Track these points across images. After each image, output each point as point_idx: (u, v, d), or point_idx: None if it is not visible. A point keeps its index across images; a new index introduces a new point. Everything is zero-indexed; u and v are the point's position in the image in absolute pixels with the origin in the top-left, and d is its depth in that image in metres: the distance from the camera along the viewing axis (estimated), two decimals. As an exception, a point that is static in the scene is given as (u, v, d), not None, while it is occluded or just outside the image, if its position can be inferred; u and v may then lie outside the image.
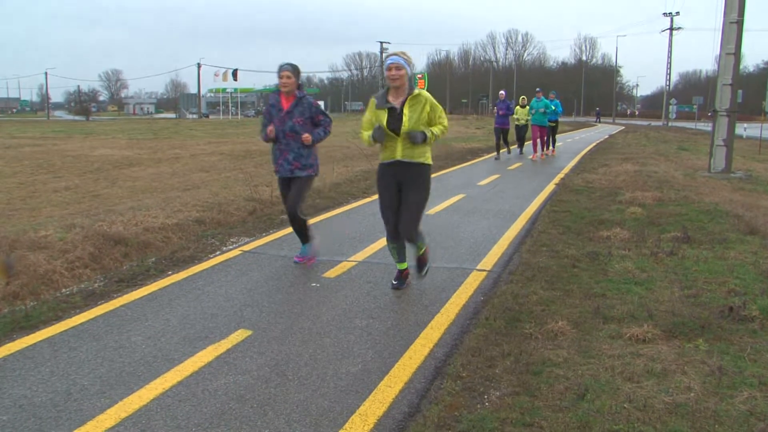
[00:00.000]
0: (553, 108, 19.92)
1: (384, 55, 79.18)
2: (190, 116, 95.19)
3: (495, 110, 20.70)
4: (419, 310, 5.22)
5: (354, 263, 6.64)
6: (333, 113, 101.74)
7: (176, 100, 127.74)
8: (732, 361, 4.06)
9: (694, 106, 62.55)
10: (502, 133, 20.02)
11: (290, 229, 8.32)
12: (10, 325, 4.78)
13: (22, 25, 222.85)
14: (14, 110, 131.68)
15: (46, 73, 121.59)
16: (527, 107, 20.08)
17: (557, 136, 22.86)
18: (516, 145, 22.26)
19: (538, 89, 19.67)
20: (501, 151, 20.34)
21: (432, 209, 9.79)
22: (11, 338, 4.56)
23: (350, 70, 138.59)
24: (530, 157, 19.15)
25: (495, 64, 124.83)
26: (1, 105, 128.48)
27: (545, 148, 20.56)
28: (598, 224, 8.52)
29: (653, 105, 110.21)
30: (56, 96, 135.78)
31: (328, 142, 8.53)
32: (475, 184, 13.25)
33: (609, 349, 4.27)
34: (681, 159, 19.82)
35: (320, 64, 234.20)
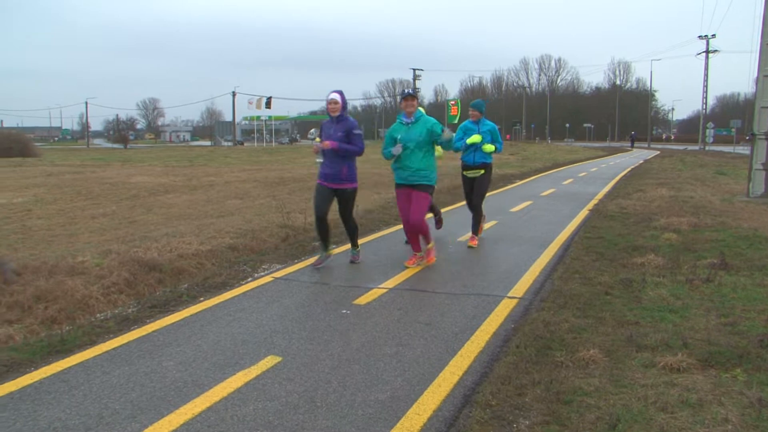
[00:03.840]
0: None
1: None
2: (225, 143, 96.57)
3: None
4: (449, 338, 5.19)
5: (384, 290, 6.65)
6: (366, 140, 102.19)
7: (212, 127, 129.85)
8: (770, 392, 3.95)
9: (732, 130, 61.54)
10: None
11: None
12: (46, 349, 4.88)
13: (64, 57, 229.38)
14: (56, 139, 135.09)
15: (86, 103, 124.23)
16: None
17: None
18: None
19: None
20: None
21: (463, 236, 9.77)
22: (47, 362, 4.65)
23: (383, 96, 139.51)
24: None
25: (528, 89, 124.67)
26: (43, 134, 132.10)
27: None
28: (632, 251, 8.40)
29: (690, 129, 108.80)
30: (96, 124, 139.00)
31: (361, 168, 8.67)
32: (508, 211, 13.19)
33: (642, 378, 4.19)
34: (718, 184, 19.50)
35: (354, 91, 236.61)
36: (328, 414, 3.79)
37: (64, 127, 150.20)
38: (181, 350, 4.88)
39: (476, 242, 9.21)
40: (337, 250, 8.52)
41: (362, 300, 6.24)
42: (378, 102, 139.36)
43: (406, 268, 7.61)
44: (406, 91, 7.63)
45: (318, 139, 7.50)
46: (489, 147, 9.08)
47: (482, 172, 9.26)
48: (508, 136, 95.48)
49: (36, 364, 4.61)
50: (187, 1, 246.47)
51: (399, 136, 7.62)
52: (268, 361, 4.61)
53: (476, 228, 9.38)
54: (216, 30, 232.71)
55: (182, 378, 4.34)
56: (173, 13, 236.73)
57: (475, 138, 9.07)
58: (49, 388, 4.19)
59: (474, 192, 9.29)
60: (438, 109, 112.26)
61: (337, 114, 7.46)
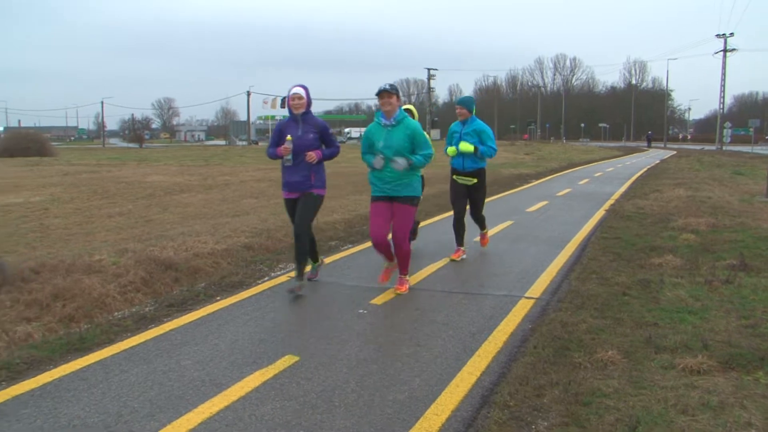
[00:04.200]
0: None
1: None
2: (240, 143, 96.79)
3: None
4: (467, 338, 5.17)
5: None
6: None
7: (226, 127, 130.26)
8: (793, 395, 3.90)
9: (750, 129, 60.96)
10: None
11: (339, 255, 8.40)
12: (65, 347, 4.91)
13: (80, 57, 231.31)
14: (72, 138, 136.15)
15: (102, 103, 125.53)
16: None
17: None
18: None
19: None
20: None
21: (478, 237, 9.72)
22: (66, 359, 4.68)
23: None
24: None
25: (543, 89, 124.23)
26: (60, 133, 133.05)
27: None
28: (650, 251, 8.34)
29: (706, 129, 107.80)
30: (111, 124, 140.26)
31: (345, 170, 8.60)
32: (524, 211, 13.14)
33: (661, 380, 4.16)
34: (736, 184, 19.32)
35: (368, 90, 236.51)
36: (347, 414, 3.78)
37: (80, 127, 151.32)
38: (199, 349, 4.90)
39: (487, 240, 8.92)
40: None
41: (379, 300, 6.23)
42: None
43: (388, 287, 6.68)
44: (383, 85, 6.24)
45: (290, 138, 6.46)
46: (465, 146, 7.84)
47: (474, 181, 8.14)
48: (525, 136, 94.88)
49: (55, 361, 4.65)
50: (205, 2, 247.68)
51: (380, 143, 6.39)
52: (286, 361, 4.61)
53: (483, 226, 8.76)
54: (233, 30, 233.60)
55: (200, 377, 4.35)
56: (190, 14, 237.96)
57: (451, 150, 8.04)
58: (68, 385, 4.21)
59: (471, 206, 8.39)
60: (452, 108, 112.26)
61: (302, 111, 6.53)
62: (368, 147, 6.55)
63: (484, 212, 8.68)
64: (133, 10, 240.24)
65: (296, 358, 4.66)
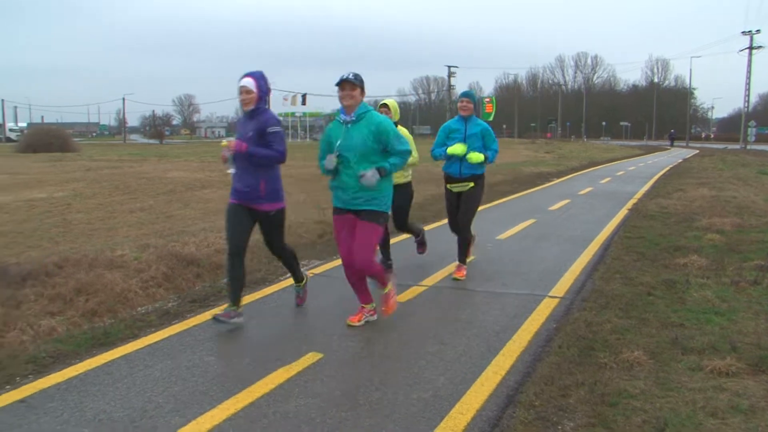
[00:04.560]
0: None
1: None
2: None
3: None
4: (490, 337, 5.14)
5: (424, 288, 6.63)
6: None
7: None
8: (826, 399, 3.83)
9: (775, 128, 60.14)
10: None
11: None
12: (90, 341, 4.94)
13: (103, 54, 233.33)
14: (93, 134, 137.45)
15: (123, 99, 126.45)
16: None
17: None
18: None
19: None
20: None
21: (502, 234, 9.71)
22: (91, 354, 4.70)
23: (418, 94, 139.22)
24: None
25: (564, 87, 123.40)
26: (82, 129, 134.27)
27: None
28: (674, 251, 8.24)
29: (730, 127, 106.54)
30: (132, 120, 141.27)
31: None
32: (546, 209, 13.05)
33: (689, 382, 4.10)
34: (762, 183, 19.05)
35: (388, 88, 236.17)
36: (371, 412, 3.77)
37: (101, 123, 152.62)
38: (222, 345, 4.91)
39: (464, 273, 7.06)
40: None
41: (401, 297, 6.20)
42: (412, 99, 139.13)
43: (350, 325, 5.39)
44: (344, 74, 5.18)
45: (225, 143, 5.35)
46: (476, 156, 6.74)
47: (471, 185, 6.96)
48: (549, 135, 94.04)
49: (81, 356, 4.68)
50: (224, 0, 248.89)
51: (337, 142, 5.26)
52: (309, 358, 4.61)
53: (463, 255, 7.16)
54: (249, 26, 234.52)
55: (224, 373, 4.37)
56: (206, 10, 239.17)
57: (457, 149, 6.77)
58: (94, 380, 4.24)
59: (460, 210, 7.01)
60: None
61: (251, 108, 5.33)
62: (326, 149, 5.36)
63: (474, 230, 7.25)
64: (155, 8, 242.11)
65: (320, 356, 4.65)
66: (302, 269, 6.09)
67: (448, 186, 7.13)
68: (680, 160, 35.88)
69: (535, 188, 17.82)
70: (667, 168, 28.57)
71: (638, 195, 16.12)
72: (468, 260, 7.31)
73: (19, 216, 11.67)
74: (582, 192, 16.92)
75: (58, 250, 7.83)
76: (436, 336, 5.13)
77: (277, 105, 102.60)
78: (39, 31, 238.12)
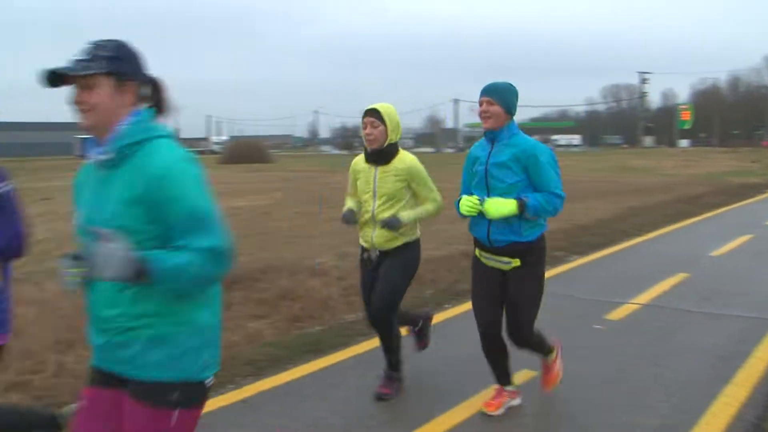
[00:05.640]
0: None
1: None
2: (448, 150, 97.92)
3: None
4: (716, 363, 4.66)
5: (638, 306, 6.21)
6: (592, 147, 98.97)
7: (434, 134, 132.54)
8: None
9: None
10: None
11: (566, 267, 8.00)
12: (302, 347, 5.07)
13: (298, 69, 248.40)
14: (287, 146, 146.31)
15: (316, 113, 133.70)
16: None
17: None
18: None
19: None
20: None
21: (716, 251, 8.88)
22: (305, 360, 4.81)
23: (607, 102, 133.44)
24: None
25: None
26: (277, 141, 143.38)
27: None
28: None
29: None
30: (324, 132, 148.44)
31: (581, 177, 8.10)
32: (763, 224, 11.81)
33: None
34: None
35: (576, 97, 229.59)
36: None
37: (295, 135, 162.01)
38: (435, 358, 4.78)
39: (556, 376, 4.10)
40: None
41: (615, 315, 5.85)
42: (602, 108, 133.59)
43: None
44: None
45: None
46: (495, 208, 3.53)
47: (516, 263, 3.68)
48: (765, 143, 79.41)
49: (295, 361, 4.78)
50: (409, 12, 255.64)
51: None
52: (523, 375, 4.38)
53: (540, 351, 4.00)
54: (437, 39, 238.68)
55: (438, 385, 4.30)
56: (396, 25, 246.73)
57: (467, 206, 3.66)
58: (310, 385, 4.32)
59: (508, 311, 3.80)
60: (666, 114, 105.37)
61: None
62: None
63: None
64: (353, 25, 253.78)
65: (533, 373, 4.42)
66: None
67: (478, 253, 3.95)
68: None
69: (746, 201, 16.26)
70: None
71: None
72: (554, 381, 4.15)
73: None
74: (805, 205, 15.18)
75: (261, 257, 8.18)
76: (655, 358, 4.80)
77: (464, 116, 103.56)
78: (248, 50, 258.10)
